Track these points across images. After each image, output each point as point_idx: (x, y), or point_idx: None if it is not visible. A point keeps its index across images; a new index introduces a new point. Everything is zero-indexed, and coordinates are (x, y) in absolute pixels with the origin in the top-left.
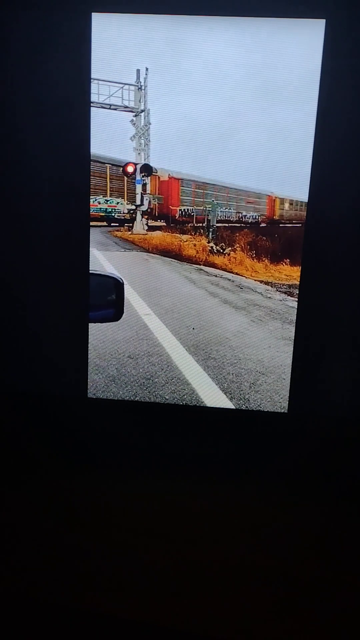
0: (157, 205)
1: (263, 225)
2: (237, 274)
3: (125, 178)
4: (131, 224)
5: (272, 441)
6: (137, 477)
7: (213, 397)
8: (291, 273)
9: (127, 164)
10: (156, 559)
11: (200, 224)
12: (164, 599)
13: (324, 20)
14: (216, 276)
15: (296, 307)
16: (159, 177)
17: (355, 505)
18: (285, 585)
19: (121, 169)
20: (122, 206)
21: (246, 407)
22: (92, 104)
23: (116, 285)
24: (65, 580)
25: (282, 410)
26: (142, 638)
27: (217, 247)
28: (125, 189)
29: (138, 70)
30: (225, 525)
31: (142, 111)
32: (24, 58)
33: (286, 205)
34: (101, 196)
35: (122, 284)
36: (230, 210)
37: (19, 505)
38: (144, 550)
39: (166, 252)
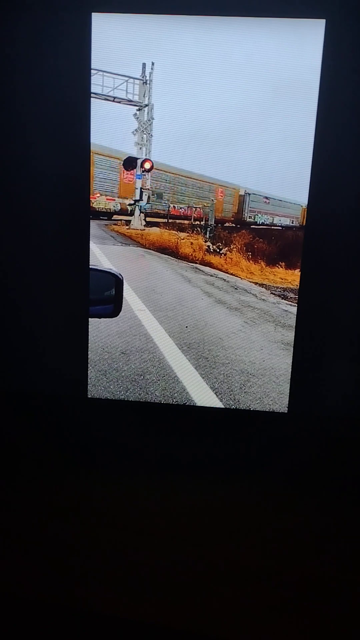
0: None
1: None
2: (232, 274)
3: None
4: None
5: (272, 441)
6: (138, 477)
7: (203, 396)
8: (286, 276)
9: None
10: (156, 559)
11: None
12: (164, 599)
13: (324, 20)
14: (212, 275)
15: (289, 310)
16: None
17: (355, 505)
18: (286, 585)
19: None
20: None
21: (236, 407)
22: (95, 96)
23: (116, 281)
24: (65, 580)
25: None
26: (142, 638)
27: (214, 247)
28: None
29: (144, 64)
30: (225, 525)
31: (146, 105)
32: (25, 58)
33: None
34: None
35: (122, 280)
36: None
37: (19, 505)
38: (142, 549)
39: (163, 249)
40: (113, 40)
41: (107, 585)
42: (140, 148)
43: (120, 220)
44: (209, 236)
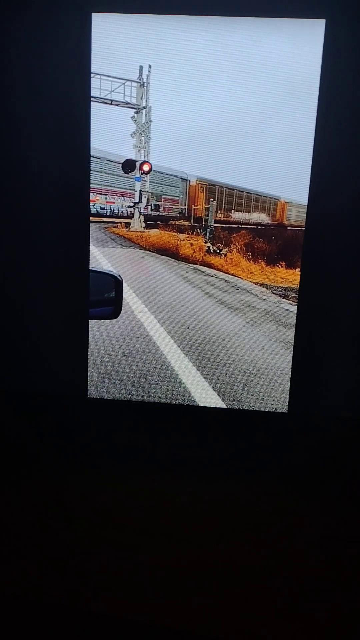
0: None
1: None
2: (233, 274)
3: None
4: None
5: (272, 441)
6: (138, 477)
7: (206, 397)
8: (286, 276)
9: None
10: (156, 559)
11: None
12: (164, 599)
13: (324, 20)
14: (212, 276)
15: (291, 309)
16: None
17: (355, 505)
18: (286, 585)
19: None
20: None
21: (239, 407)
22: (93, 99)
23: (115, 283)
24: (66, 580)
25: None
26: (142, 638)
27: (214, 248)
28: None
29: (141, 67)
30: (225, 525)
31: (144, 108)
32: (24, 58)
33: None
34: None
35: (121, 281)
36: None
37: (19, 505)
38: (143, 550)
39: (163, 251)
40: (113, 40)
41: (107, 585)
42: (139, 150)
43: (120, 222)
44: (209, 237)
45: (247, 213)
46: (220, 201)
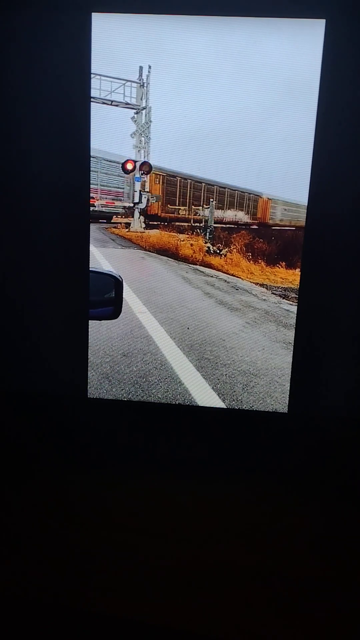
0: None
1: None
2: (233, 275)
3: None
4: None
5: (272, 441)
6: (138, 478)
7: (206, 397)
8: (287, 276)
9: (126, 160)
10: (156, 559)
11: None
12: (164, 599)
13: (324, 20)
14: (212, 277)
15: (290, 310)
16: None
17: (355, 505)
18: (286, 585)
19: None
20: None
21: (239, 408)
22: (93, 100)
23: (115, 283)
24: (66, 580)
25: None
26: (142, 638)
27: (214, 248)
28: None
29: (141, 67)
30: (226, 525)
31: (144, 108)
32: (24, 58)
33: None
34: None
35: (121, 282)
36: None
37: (19, 505)
38: (143, 550)
39: (163, 251)
40: (113, 40)
41: (107, 585)
42: (139, 151)
43: (120, 222)
44: (209, 237)
45: (220, 210)
46: (183, 196)
